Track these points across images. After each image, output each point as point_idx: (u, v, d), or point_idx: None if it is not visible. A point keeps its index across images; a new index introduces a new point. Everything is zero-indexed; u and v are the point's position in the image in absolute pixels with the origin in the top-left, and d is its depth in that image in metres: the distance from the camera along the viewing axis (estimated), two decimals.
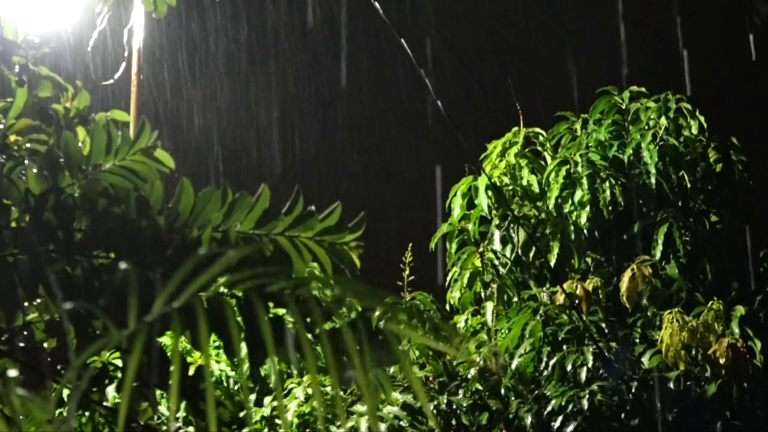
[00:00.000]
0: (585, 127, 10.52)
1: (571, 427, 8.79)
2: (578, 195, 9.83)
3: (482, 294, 9.90)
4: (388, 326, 1.64)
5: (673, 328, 8.95)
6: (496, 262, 9.84)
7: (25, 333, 3.31)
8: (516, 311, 9.47)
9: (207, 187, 2.87)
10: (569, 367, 8.99)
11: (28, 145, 3.29)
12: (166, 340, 5.35)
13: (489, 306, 9.69)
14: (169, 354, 2.90)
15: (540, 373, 9.20)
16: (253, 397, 9.02)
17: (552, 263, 9.67)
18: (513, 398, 9.10)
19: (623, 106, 10.50)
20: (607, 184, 9.84)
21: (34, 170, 3.05)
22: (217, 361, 8.88)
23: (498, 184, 10.02)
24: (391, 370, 8.20)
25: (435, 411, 8.63)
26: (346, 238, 2.92)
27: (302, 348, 1.61)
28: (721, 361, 8.93)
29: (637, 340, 9.37)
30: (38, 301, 3.29)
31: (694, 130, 10.12)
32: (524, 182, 10.09)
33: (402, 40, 7.31)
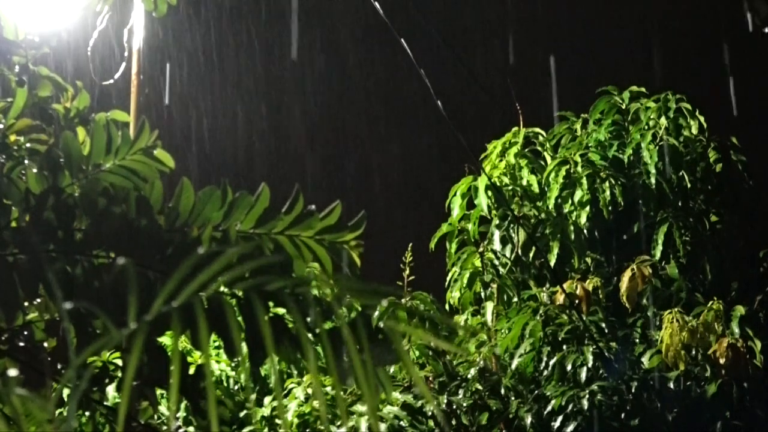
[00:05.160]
0: (585, 127, 10.52)
1: (571, 427, 8.79)
2: (578, 195, 9.83)
3: (482, 294, 9.90)
4: (389, 324, 1.64)
5: (673, 328, 8.95)
6: (496, 262, 9.84)
7: (25, 332, 3.31)
8: (516, 311, 9.47)
9: (207, 186, 2.87)
10: (569, 367, 8.99)
11: (28, 145, 3.29)
12: (166, 339, 5.35)
13: (489, 306, 9.69)
14: (169, 353, 2.90)
15: (540, 373, 9.20)
16: (253, 397, 9.02)
17: (552, 263, 9.67)
18: (513, 398, 9.10)
19: (623, 106, 10.50)
20: (607, 184, 9.84)
21: (34, 170, 3.05)
22: (217, 361, 8.88)
23: (498, 184, 10.01)
24: (391, 369, 8.21)
25: (438, 410, 8.62)
26: (347, 236, 2.92)
27: (302, 347, 1.61)
28: (721, 361, 8.92)
29: (637, 340, 9.36)
30: (38, 300, 3.29)
31: (694, 130, 10.12)
32: (524, 182, 10.09)
33: (402, 39, 7.30)
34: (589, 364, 8.94)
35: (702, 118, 10.17)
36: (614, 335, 9.32)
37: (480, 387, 9.00)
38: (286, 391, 8.60)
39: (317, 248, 2.92)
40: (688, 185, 9.96)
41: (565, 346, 9.16)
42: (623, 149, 10.20)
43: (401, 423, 8.32)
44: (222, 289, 1.60)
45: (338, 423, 8.27)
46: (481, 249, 9.92)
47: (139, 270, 2.62)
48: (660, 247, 9.68)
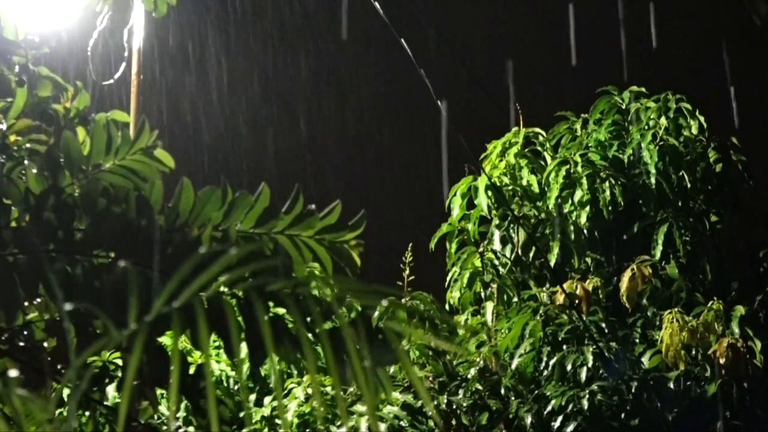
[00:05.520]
0: (585, 127, 10.52)
1: (571, 427, 8.79)
2: (578, 195, 9.83)
3: (482, 294, 9.90)
4: (388, 325, 1.64)
5: (673, 328, 8.95)
6: (496, 262, 9.84)
7: (25, 332, 3.31)
8: (516, 311, 9.47)
9: (207, 186, 2.87)
10: (569, 367, 8.99)
11: (28, 145, 3.29)
12: (166, 339, 5.35)
13: (489, 306, 9.69)
14: (169, 353, 2.90)
15: (540, 373, 9.20)
16: (253, 397, 9.02)
17: (552, 263, 9.67)
18: (513, 398, 9.10)
19: (623, 106, 10.50)
20: (607, 184, 9.84)
21: (34, 170, 3.05)
22: (217, 361, 8.88)
23: (498, 184, 10.01)
24: (391, 369, 8.20)
25: (435, 411, 8.63)
26: (347, 236, 2.92)
27: (302, 347, 1.61)
28: (721, 361, 8.92)
29: (637, 340, 9.36)
30: (38, 300, 3.29)
31: (694, 130, 10.12)
32: (524, 182, 10.09)
33: (402, 40, 7.31)
34: (589, 364, 8.94)
35: (702, 118, 10.17)
36: (614, 335, 9.32)
37: (480, 387, 9.00)
38: (286, 391, 8.60)
39: (317, 248, 2.92)
40: (688, 185, 9.96)
41: (565, 346, 9.16)
42: (623, 149, 10.20)
43: (401, 423, 8.32)
44: (222, 288, 1.60)
45: (338, 423, 8.27)
46: (481, 249, 9.92)
47: (139, 270, 2.62)
48: (660, 247, 9.68)
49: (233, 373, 9.14)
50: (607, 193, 9.79)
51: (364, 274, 3.00)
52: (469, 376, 9.07)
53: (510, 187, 10.11)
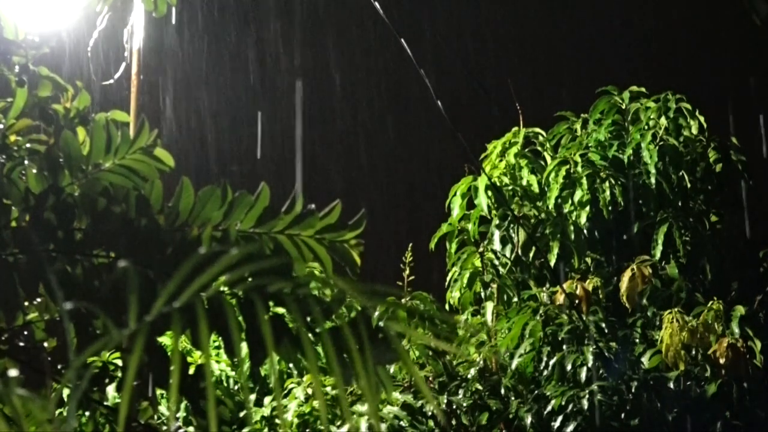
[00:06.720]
0: (585, 127, 10.52)
1: (571, 427, 8.79)
2: (578, 195, 9.83)
3: (482, 294, 9.90)
4: (389, 325, 1.63)
5: (673, 328, 8.95)
6: (496, 262, 9.84)
7: (25, 333, 3.31)
8: (516, 311, 9.47)
9: (207, 186, 2.87)
10: (569, 367, 8.99)
11: (28, 145, 3.29)
12: (166, 339, 5.35)
13: (489, 306, 9.69)
14: (169, 353, 2.90)
15: (540, 373, 9.20)
16: (253, 397, 9.02)
17: (552, 263, 9.67)
18: (513, 398, 9.10)
19: (623, 106, 10.50)
20: (607, 184, 9.84)
21: (34, 170, 3.05)
22: (217, 361, 8.88)
23: (498, 184, 10.01)
24: (391, 369, 8.20)
25: (438, 409, 8.62)
26: (347, 235, 2.92)
27: (303, 347, 1.61)
28: (721, 361, 8.92)
29: (637, 340, 9.36)
30: (38, 300, 3.29)
31: (694, 130, 10.12)
32: (524, 182, 10.09)
33: (402, 39, 7.30)
34: (589, 364, 8.94)
35: (702, 118, 10.17)
36: (614, 335, 9.32)
37: (480, 387, 8.99)
38: (286, 391, 8.60)
39: (317, 247, 2.92)
40: (688, 185, 9.96)
41: (565, 346, 9.16)
42: (623, 149, 10.20)
43: (401, 423, 8.32)
44: (222, 288, 1.60)
45: (338, 423, 8.27)
46: (481, 249, 9.92)
47: (139, 270, 2.62)
48: (660, 247, 9.68)
49: (233, 373, 9.14)
50: (607, 193, 9.79)
51: (364, 274, 3.00)
52: (469, 376, 9.06)
53: (510, 187, 10.11)
